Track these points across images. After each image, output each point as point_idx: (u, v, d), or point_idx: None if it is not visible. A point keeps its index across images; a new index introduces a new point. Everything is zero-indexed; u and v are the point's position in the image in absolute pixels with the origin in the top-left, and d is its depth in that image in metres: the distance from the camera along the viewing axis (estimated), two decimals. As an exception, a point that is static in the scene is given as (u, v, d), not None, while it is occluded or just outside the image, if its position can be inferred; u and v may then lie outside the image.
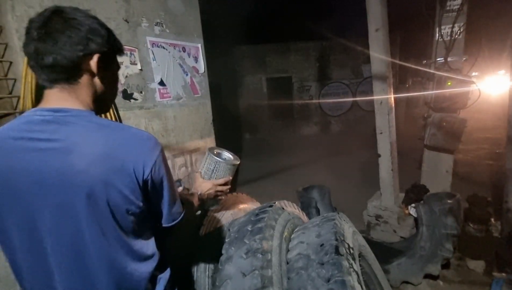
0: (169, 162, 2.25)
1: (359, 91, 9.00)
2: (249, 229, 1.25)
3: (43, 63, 0.61)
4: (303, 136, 9.00)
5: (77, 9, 0.65)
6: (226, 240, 1.30)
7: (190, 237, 1.24)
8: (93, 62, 0.65)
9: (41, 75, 0.64)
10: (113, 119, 1.77)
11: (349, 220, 1.52)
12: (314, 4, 6.25)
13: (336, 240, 1.11)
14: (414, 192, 2.57)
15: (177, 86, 2.36)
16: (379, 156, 2.56)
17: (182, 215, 0.79)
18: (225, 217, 1.40)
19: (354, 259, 1.08)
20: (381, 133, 2.51)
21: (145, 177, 0.65)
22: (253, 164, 5.95)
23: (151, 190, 0.69)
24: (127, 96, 1.93)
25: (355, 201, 3.26)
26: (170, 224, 0.78)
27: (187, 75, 2.47)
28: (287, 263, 1.14)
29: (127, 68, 1.93)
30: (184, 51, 2.44)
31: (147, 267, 0.75)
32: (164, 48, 2.23)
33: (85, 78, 0.66)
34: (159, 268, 0.81)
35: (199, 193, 1.09)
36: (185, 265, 1.16)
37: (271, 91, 9.34)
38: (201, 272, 1.14)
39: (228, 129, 8.83)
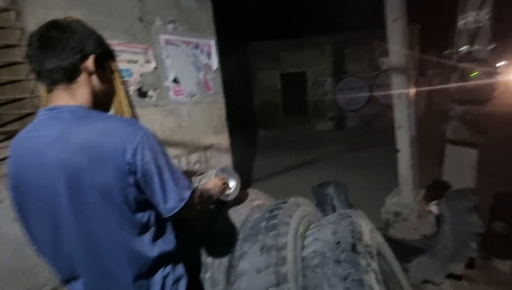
0: (184, 159, 2.28)
1: (376, 85, 8.73)
2: (263, 225, 1.24)
3: (44, 68, 0.68)
4: (318, 132, 8.87)
5: (70, 20, 0.75)
6: (241, 236, 1.29)
7: (204, 233, 1.25)
8: (89, 63, 0.72)
9: (44, 79, 0.71)
10: (129, 116, 1.80)
11: (366, 217, 1.47)
12: None
13: (353, 237, 1.08)
14: (436, 189, 2.46)
15: (190, 83, 2.38)
16: (398, 151, 2.47)
17: (184, 203, 0.76)
18: (239, 213, 1.40)
19: (372, 257, 1.05)
20: (400, 127, 2.42)
21: (126, 161, 0.67)
22: (268, 160, 5.93)
23: (139, 175, 0.69)
24: (142, 94, 1.96)
25: (372, 198, 3.17)
26: (169, 214, 0.75)
27: (200, 72, 2.48)
28: (302, 260, 1.12)
29: (142, 66, 1.96)
30: (197, 48, 2.45)
31: (154, 252, 0.76)
32: (177, 45, 2.24)
33: (82, 78, 0.72)
34: (170, 257, 0.82)
35: (209, 188, 1.08)
36: (199, 260, 1.16)
37: (285, 87, 9.25)
38: (216, 268, 1.14)
39: (243, 125, 8.86)
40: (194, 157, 2.40)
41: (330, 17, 7.15)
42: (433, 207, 2.28)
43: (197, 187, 1.14)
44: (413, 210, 2.42)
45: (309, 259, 1.10)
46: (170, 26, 2.19)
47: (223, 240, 1.24)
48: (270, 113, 9.31)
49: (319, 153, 6.13)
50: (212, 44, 2.60)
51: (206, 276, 1.12)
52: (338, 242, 1.08)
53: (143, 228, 0.74)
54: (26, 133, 0.70)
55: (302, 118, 9.28)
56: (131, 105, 1.91)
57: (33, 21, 1.45)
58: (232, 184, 1.31)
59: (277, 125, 9.27)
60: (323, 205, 2.49)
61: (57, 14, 1.52)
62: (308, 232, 1.29)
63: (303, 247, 1.20)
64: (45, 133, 0.67)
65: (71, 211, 0.67)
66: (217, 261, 1.16)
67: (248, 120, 9.18)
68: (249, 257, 1.12)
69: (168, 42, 2.16)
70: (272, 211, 1.31)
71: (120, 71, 1.87)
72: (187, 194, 0.77)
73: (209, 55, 2.58)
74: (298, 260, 1.13)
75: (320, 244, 1.13)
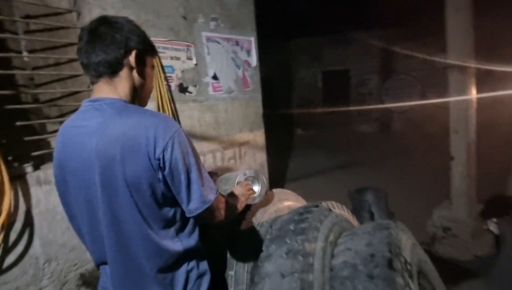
0: (219, 154, 2.32)
1: (430, 84, 7.94)
2: (292, 228, 1.19)
3: (92, 61, 0.72)
4: (360, 133, 8.39)
5: (119, 16, 0.77)
6: (267, 237, 1.26)
7: (231, 230, 1.24)
8: (132, 58, 0.75)
9: (90, 72, 0.74)
10: (170, 111, 1.89)
11: (408, 230, 1.33)
12: None
13: (390, 252, 0.98)
14: (497, 204, 2.15)
15: (229, 79, 2.41)
16: (452, 158, 2.21)
17: (207, 205, 0.74)
18: (268, 212, 1.37)
19: (411, 276, 0.94)
20: (456, 132, 2.15)
21: (156, 156, 0.68)
22: (304, 160, 5.80)
23: (167, 172, 0.70)
24: (183, 89, 2.04)
25: (418, 209, 2.89)
26: (192, 214, 0.74)
27: (239, 68, 2.49)
28: (331, 270, 1.06)
29: (184, 63, 2.04)
30: (237, 45, 2.46)
31: (178, 246, 0.77)
32: (218, 42, 2.28)
33: (125, 72, 0.76)
34: (194, 253, 0.82)
35: (237, 195, 1.04)
36: (224, 258, 1.16)
37: (326, 85, 8.92)
38: (240, 267, 1.13)
39: (280, 123, 8.79)
40: (229, 152, 2.43)
41: (378, 11, 6.63)
42: (492, 226, 1.99)
43: (224, 191, 1.12)
44: (466, 227, 2.14)
45: (338, 270, 1.02)
46: (212, 24, 2.23)
47: (249, 239, 1.23)
48: (310, 111, 9.07)
49: (359, 156, 5.80)
50: (252, 41, 2.60)
51: (231, 273, 1.12)
52: (372, 255, 0.99)
53: (168, 223, 0.76)
54: (71, 122, 0.75)
55: (343, 118, 8.86)
56: (172, 100, 2.00)
57: (89, 20, 1.58)
58: (257, 188, 1.28)
59: (315, 124, 9.00)
60: (360, 211, 2.34)
61: (110, 13, 1.63)
62: (340, 240, 1.21)
63: (333, 256, 1.13)
64: (86, 124, 0.72)
65: (104, 199, 0.70)
66: (242, 259, 1.15)
67: (286, 118, 9.07)
68: (274, 260, 1.09)
69: (209, 39, 2.21)
70: (301, 214, 1.25)
71: (163, 67, 1.96)
72: (212, 197, 0.76)
73: (248, 52, 2.58)
74: (326, 269, 1.06)
75: (352, 255, 1.05)
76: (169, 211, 0.75)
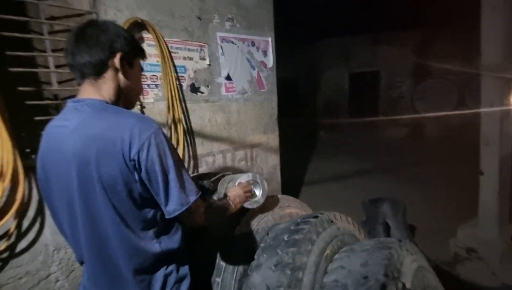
0: (229, 155, 2.31)
1: (469, 89, 7.31)
2: (285, 238, 1.14)
3: (77, 62, 0.74)
4: (388, 138, 7.96)
5: (107, 20, 0.79)
6: (262, 245, 1.22)
7: (223, 235, 1.22)
8: (117, 60, 0.77)
9: (76, 72, 0.76)
10: (180, 111, 1.91)
11: (417, 251, 1.22)
12: None
13: (386, 275, 0.89)
14: (533, 228, 1.90)
15: (243, 80, 2.39)
16: (482, 173, 1.99)
17: (185, 207, 0.74)
18: (265, 219, 1.33)
19: (406, 305, 0.85)
20: (487, 144, 1.94)
21: (131, 157, 0.68)
22: (324, 164, 5.62)
23: (143, 173, 0.70)
24: (194, 89, 2.06)
25: (441, 224, 2.67)
26: (170, 215, 0.74)
27: (254, 69, 2.46)
28: (321, 287, 0.99)
29: (197, 63, 2.05)
30: (253, 45, 2.43)
31: (157, 248, 0.77)
32: (233, 43, 2.27)
33: (109, 73, 0.77)
34: (174, 256, 0.81)
35: (229, 198, 1.01)
36: (213, 263, 1.14)
37: (353, 87, 8.58)
38: (229, 273, 1.11)
39: (303, 125, 8.62)
40: (240, 154, 2.42)
41: (414, 9, 6.21)
42: (525, 252, 1.77)
43: (209, 195, 1.10)
44: (494, 249, 1.93)
45: (328, 288, 0.96)
46: (228, 24, 2.22)
47: (241, 246, 1.20)
48: (334, 114, 8.79)
49: (385, 162, 5.50)
50: (269, 42, 2.55)
51: (217, 280, 1.10)
52: (365, 277, 0.92)
53: (147, 224, 0.75)
54: (54, 122, 0.78)
55: (370, 122, 8.47)
56: (183, 100, 2.02)
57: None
58: (258, 192, 1.24)
59: (340, 127, 8.70)
60: (373, 223, 2.20)
61: (125, 14, 1.70)
62: (336, 256, 1.14)
63: (326, 272, 1.06)
64: (66, 124, 0.73)
65: (81, 199, 0.71)
66: (231, 267, 1.12)
67: (310, 120, 8.88)
68: (263, 271, 1.05)
69: (224, 40, 2.20)
70: (298, 224, 1.20)
71: (176, 67, 1.99)
72: (190, 199, 0.75)
73: (265, 52, 2.54)
74: (316, 286, 1.00)
75: (345, 274, 0.97)
76: (148, 212, 0.75)
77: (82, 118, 0.72)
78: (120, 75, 0.79)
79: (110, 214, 0.71)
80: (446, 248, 2.24)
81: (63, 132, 0.73)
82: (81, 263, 0.82)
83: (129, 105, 0.85)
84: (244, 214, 1.30)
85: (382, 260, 0.97)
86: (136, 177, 0.70)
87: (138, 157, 0.68)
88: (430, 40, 7.56)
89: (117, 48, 0.76)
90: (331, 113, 8.88)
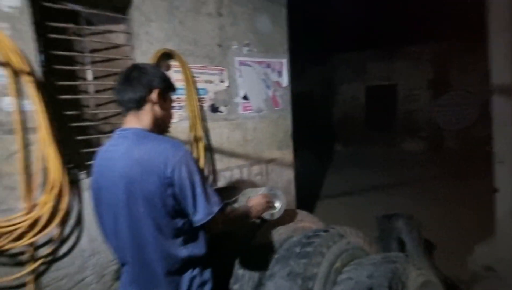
0: (245, 170, 2.45)
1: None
2: (297, 250, 1.24)
3: (123, 98, 0.93)
4: (406, 152, 7.81)
5: (147, 63, 0.99)
6: (275, 256, 1.33)
7: (242, 246, 1.34)
8: (154, 95, 0.95)
9: (122, 107, 0.95)
10: (201, 129, 2.09)
11: (426, 267, 1.28)
12: (427, 2, 5.27)
13: (390, 287, 0.97)
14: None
15: (259, 99, 2.55)
16: (496, 191, 2.00)
17: (210, 217, 0.88)
18: (279, 232, 1.43)
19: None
20: (501, 161, 1.95)
21: (167, 175, 0.83)
22: (339, 178, 5.62)
23: (176, 188, 0.85)
24: (214, 109, 2.23)
25: (458, 241, 2.63)
26: (197, 224, 0.89)
27: (269, 89, 2.62)
28: (330, 296, 1.08)
29: (216, 85, 2.24)
30: (269, 67, 2.60)
31: (184, 253, 0.91)
32: (250, 66, 2.45)
33: (148, 106, 0.94)
34: (199, 261, 0.95)
35: (250, 206, 1.15)
36: (231, 270, 1.26)
37: (370, 101, 8.57)
38: (245, 281, 1.22)
39: (319, 139, 8.65)
40: (255, 169, 2.55)
41: (430, 24, 6.22)
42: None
43: (231, 204, 1.23)
44: (513, 269, 1.90)
45: (336, 297, 1.04)
46: (245, 49, 2.41)
47: (257, 256, 1.31)
48: (350, 127, 8.77)
49: (402, 176, 5.42)
50: (283, 63, 2.72)
51: (234, 287, 1.21)
52: (370, 288, 1.00)
53: (177, 232, 0.90)
54: (105, 147, 0.96)
55: (387, 135, 8.36)
56: (204, 119, 2.20)
57: (140, 52, 1.88)
58: (278, 204, 1.36)
59: (357, 140, 8.64)
60: (387, 239, 2.23)
61: (156, 46, 1.92)
62: (346, 268, 1.22)
63: (335, 283, 1.15)
64: (116, 149, 0.91)
65: (126, 211, 0.88)
66: (247, 275, 1.23)
67: (326, 134, 8.89)
68: (276, 280, 1.15)
69: (241, 63, 2.39)
70: (309, 237, 1.30)
71: (197, 89, 2.18)
72: (214, 209, 0.90)
73: (279, 73, 2.70)
74: (325, 295, 1.09)
75: (351, 285, 1.06)
76: (178, 222, 0.90)
77: (128, 144, 0.89)
78: (157, 107, 0.96)
79: (148, 223, 0.87)
80: (464, 266, 2.21)
81: (113, 156, 0.91)
82: (122, 265, 0.98)
83: (164, 130, 1.02)
84: (260, 227, 1.42)
85: (387, 272, 1.04)
86: (170, 192, 0.85)
87: (172, 175, 0.84)
88: (447, 53, 7.48)
89: (154, 86, 0.94)
90: (347, 126, 8.86)
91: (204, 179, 0.90)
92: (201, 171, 0.91)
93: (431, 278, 1.22)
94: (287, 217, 1.55)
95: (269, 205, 1.26)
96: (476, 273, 2.08)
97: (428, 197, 4.10)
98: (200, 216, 0.88)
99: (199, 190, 0.87)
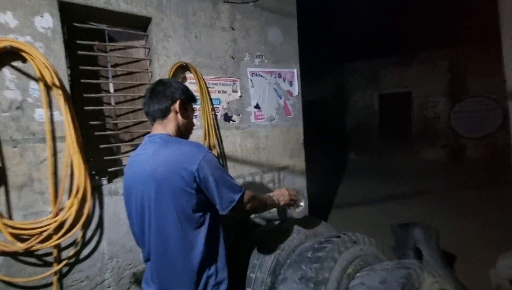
0: (258, 177, 2.49)
1: (514, 108, 6.79)
2: (309, 255, 1.26)
3: (150, 110, 1.07)
4: (423, 161, 7.59)
5: (170, 78, 1.14)
6: (288, 261, 1.35)
7: (256, 249, 1.36)
8: (177, 105, 1.07)
9: (149, 117, 1.09)
10: (214, 137, 2.16)
11: (444, 275, 1.26)
12: (441, 7, 5.20)
13: (402, 292, 0.97)
14: None
15: (271, 108, 2.61)
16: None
17: (233, 205, 0.98)
18: (291, 238, 1.45)
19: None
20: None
21: (192, 172, 0.93)
22: (353, 187, 5.53)
23: (202, 183, 0.95)
24: (227, 118, 2.31)
25: (481, 253, 2.52)
26: (224, 211, 0.98)
27: (281, 98, 2.68)
28: (342, 301, 1.08)
29: (229, 95, 2.32)
30: (280, 77, 2.67)
31: (205, 245, 0.99)
32: (261, 76, 2.53)
33: (172, 115, 1.08)
34: (216, 257, 1.03)
35: (274, 195, 1.27)
36: (245, 272, 1.29)
37: (384, 108, 8.44)
38: (258, 285, 1.24)
39: (332, 147, 8.57)
40: (268, 176, 2.58)
41: (445, 28, 6.11)
42: None
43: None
44: (540, 282, 1.80)
45: (348, 302, 1.05)
46: (257, 60, 2.50)
47: (269, 261, 1.33)
48: (364, 136, 8.65)
49: (420, 186, 5.26)
50: (294, 73, 2.78)
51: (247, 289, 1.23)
52: (382, 293, 1.00)
53: (199, 225, 0.99)
54: (137, 151, 1.08)
55: (403, 144, 8.17)
56: (218, 128, 2.28)
57: (157, 65, 1.99)
58: (302, 204, 1.43)
59: (371, 149, 8.50)
60: (403, 248, 2.18)
61: (173, 60, 2.03)
62: (358, 274, 1.22)
63: (347, 289, 1.15)
64: (145, 152, 1.03)
65: (154, 206, 0.97)
66: (260, 279, 1.26)
67: (339, 143, 8.81)
68: (288, 284, 1.17)
69: (253, 74, 2.47)
70: (321, 243, 1.31)
71: (212, 100, 2.27)
72: (237, 196, 1.00)
73: (291, 82, 2.76)
74: (337, 299, 1.09)
75: (363, 290, 1.06)
76: (200, 216, 0.98)
77: (156, 147, 1.01)
78: (179, 116, 1.10)
79: (172, 217, 0.95)
80: (486, 279, 2.12)
81: (142, 159, 1.02)
82: (146, 260, 1.07)
83: (186, 136, 1.15)
84: (273, 232, 1.44)
85: (399, 278, 1.04)
86: (195, 186, 0.95)
87: (197, 173, 0.94)
88: (464, 58, 7.31)
89: (177, 97, 1.08)
90: (361, 134, 8.75)
91: (224, 171, 1.01)
92: (221, 165, 1.02)
93: (447, 287, 1.20)
94: (300, 223, 1.57)
95: (291, 198, 1.32)
96: (500, 286, 1.98)
97: (449, 208, 3.96)
98: (225, 204, 0.98)
99: (221, 182, 0.97)
